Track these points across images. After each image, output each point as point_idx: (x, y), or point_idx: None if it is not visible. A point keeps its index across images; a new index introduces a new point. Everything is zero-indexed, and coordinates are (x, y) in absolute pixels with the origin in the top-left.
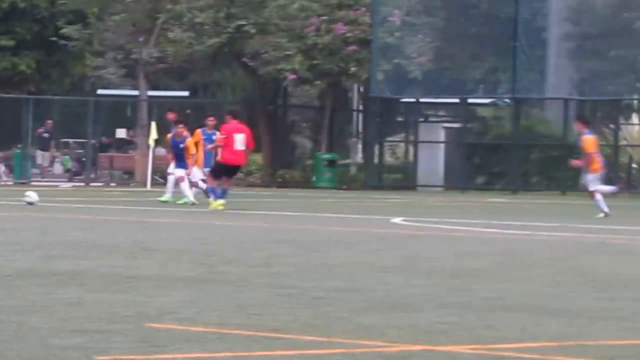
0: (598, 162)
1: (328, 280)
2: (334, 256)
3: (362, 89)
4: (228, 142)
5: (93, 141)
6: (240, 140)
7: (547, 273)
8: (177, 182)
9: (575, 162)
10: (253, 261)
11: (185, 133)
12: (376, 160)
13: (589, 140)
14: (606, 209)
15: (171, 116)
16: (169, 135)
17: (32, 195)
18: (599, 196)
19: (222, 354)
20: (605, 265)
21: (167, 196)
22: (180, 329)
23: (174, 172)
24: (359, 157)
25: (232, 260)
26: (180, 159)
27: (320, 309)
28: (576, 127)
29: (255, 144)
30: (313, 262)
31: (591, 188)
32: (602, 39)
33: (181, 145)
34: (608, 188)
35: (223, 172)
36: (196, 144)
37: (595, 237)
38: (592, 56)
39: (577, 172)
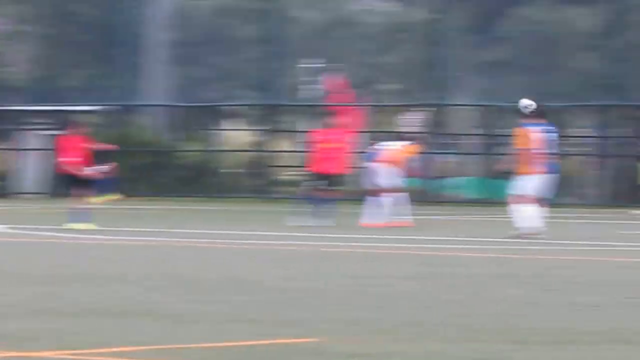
0: None
1: None
2: None
3: None
4: None
5: None
6: None
7: (141, 278)
8: None
9: None
10: None
11: None
12: None
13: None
14: None
15: None
16: None
17: None
18: None
19: None
20: (194, 268)
21: None
22: None
23: None
24: None
25: None
26: None
27: None
28: None
29: None
30: None
31: None
32: (202, 46)
33: None
34: None
35: None
36: None
37: (186, 241)
38: (191, 63)
39: (170, 178)
